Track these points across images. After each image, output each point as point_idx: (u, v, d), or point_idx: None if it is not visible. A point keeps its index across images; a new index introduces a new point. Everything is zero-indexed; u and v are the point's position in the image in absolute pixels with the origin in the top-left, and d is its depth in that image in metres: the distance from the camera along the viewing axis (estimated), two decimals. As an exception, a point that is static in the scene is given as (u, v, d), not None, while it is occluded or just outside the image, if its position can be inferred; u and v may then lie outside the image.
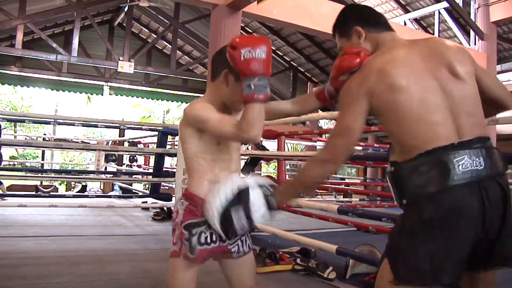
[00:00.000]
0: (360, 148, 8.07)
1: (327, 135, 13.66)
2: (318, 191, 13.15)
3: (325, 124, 18.07)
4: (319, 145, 11.50)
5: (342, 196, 11.87)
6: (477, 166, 1.50)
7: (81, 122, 7.35)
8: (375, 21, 1.83)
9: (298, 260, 4.27)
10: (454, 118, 1.56)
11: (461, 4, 9.47)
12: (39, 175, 10.99)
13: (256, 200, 1.78)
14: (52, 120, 8.36)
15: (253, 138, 1.70)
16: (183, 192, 2.00)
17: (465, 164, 1.49)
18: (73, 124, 7.08)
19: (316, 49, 13.16)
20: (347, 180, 13.64)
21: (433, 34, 10.32)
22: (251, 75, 1.66)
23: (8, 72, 13.08)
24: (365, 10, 1.94)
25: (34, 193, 10.66)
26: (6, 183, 9.98)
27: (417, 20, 11.13)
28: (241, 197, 1.75)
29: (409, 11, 10.81)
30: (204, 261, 1.92)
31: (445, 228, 1.48)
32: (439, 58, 1.65)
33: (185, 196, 1.95)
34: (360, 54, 1.77)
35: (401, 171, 1.59)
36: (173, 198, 6.45)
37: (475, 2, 9.49)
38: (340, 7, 6.90)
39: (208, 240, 1.86)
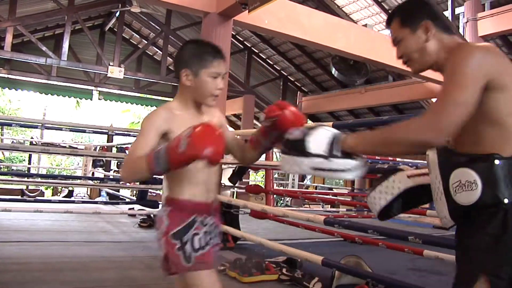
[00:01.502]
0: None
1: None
2: (306, 200, 13.18)
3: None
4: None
5: (329, 206, 11.88)
6: None
7: (69, 127, 7.31)
8: (446, 21, 1.68)
9: (284, 270, 4.26)
10: None
11: (450, 18, 9.56)
12: (25, 179, 10.89)
13: None
14: (40, 124, 8.29)
15: (121, 177, 1.79)
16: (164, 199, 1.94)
17: None
18: (60, 129, 7.03)
19: (307, 59, 13.22)
20: (334, 190, 13.65)
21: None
22: (167, 147, 1.60)
23: (-4, 74, 13.01)
24: (437, 7, 1.73)
25: (19, 197, 10.58)
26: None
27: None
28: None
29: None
30: (210, 265, 1.84)
31: None
32: None
33: (166, 202, 1.89)
34: (283, 110, 1.81)
35: (507, 166, 1.44)
36: (160, 205, 6.42)
37: (463, 17, 9.58)
38: (331, 18, 6.95)
39: (203, 243, 1.82)
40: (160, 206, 6.45)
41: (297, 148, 1.59)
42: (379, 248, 4.20)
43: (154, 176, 1.78)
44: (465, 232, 1.53)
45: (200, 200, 1.89)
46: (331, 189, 14.55)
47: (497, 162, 1.43)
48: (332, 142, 1.57)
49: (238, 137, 2.21)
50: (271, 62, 14.15)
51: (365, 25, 10.37)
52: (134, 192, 12.61)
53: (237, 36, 12.95)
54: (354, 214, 9.72)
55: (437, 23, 1.64)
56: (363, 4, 10.97)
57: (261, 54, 13.90)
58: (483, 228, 1.44)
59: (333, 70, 11.20)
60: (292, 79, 14.78)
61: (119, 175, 11.35)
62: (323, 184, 16.51)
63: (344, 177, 1.62)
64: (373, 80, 12.82)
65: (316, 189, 14.16)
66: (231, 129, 2.26)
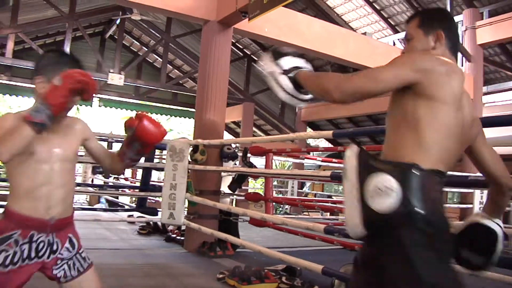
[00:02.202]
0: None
1: (314, 153, 13.71)
2: (305, 208, 13.17)
3: (313, 141, 18.15)
4: (307, 162, 11.53)
5: (328, 213, 11.88)
6: None
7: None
8: (456, 43, 1.82)
9: (283, 279, 4.28)
10: (452, 151, 1.64)
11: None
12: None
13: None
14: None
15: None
16: None
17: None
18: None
19: (306, 66, 13.25)
20: (334, 198, 13.64)
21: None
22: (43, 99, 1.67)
23: (-4, 81, 13.06)
24: (456, 27, 1.86)
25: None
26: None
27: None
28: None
29: (398, 32, 10.95)
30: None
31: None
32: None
33: (4, 208, 1.84)
34: (141, 121, 1.94)
35: (423, 179, 1.52)
36: (159, 213, 6.43)
37: (462, 25, 9.64)
38: (330, 26, 6.97)
39: (15, 259, 1.75)
40: (159, 213, 6.48)
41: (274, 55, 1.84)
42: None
43: (42, 127, 1.67)
44: (378, 248, 1.53)
45: (34, 215, 1.80)
46: (330, 196, 14.54)
47: (416, 172, 1.47)
48: (294, 68, 1.79)
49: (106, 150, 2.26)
50: (270, 70, 14.17)
51: (364, 33, 10.43)
52: (133, 199, 12.61)
53: (236, 43, 12.98)
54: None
55: (448, 39, 1.76)
56: (363, 12, 11.03)
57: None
58: (396, 245, 1.47)
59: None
60: (292, 87, 14.79)
61: (118, 182, 11.37)
62: (322, 191, 16.50)
63: (283, 98, 1.84)
64: (372, 88, 12.85)
65: (315, 196, 14.15)
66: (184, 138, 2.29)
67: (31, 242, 1.79)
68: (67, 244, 1.93)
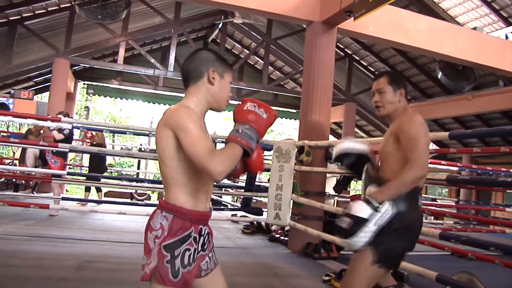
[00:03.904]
0: (456, 168, 7.70)
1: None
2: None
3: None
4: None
5: (432, 217, 11.39)
6: (421, 204, 2.52)
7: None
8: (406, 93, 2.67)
9: (391, 284, 4.14)
10: None
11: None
12: (134, 184, 11.49)
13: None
14: (150, 132, 8.75)
15: (215, 173, 1.68)
16: (160, 202, 1.88)
17: (420, 201, 2.49)
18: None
19: (409, 65, 12.80)
20: (439, 202, 13.07)
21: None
22: (244, 122, 1.79)
23: (109, 85, 13.96)
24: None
25: (130, 200, 11.20)
26: (104, 189, 10.54)
27: (520, 34, 10.53)
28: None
29: (512, 24, 10.25)
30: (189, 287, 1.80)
31: (411, 232, 2.45)
32: None
33: (166, 207, 1.82)
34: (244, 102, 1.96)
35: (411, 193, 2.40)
36: (265, 213, 6.51)
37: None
38: (437, 22, 6.66)
39: (191, 260, 1.78)
40: (264, 213, 6.54)
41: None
42: (492, 266, 3.95)
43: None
44: None
45: (203, 210, 1.87)
46: (434, 200, 13.95)
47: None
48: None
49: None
50: (372, 69, 13.87)
51: (474, 28, 9.87)
52: (235, 198, 12.87)
53: (337, 43, 12.83)
54: (460, 227, 9.26)
55: (406, 93, 2.66)
56: (470, 5, 10.43)
57: (362, 61, 13.67)
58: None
59: (440, 75, 10.70)
60: (394, 86, 14.36)
61: (222, 181, 11.63)
62: (426, 194, 15.89)
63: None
64: (482, 85, 12.11)
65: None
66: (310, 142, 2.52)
67: (200, 236, 1.85)
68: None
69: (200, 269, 1.90)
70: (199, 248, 1.84)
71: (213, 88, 1.93)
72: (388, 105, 2.60)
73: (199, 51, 1.99)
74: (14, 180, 10.21)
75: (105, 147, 9.55)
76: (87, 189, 9.30)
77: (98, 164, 9.15)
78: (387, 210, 2.30)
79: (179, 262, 1.74)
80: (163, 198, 1.87)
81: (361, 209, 2.29)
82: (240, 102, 1.89)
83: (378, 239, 2.31)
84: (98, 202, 8.72)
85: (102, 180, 9.32)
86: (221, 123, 25.16)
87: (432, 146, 15.57)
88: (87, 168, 9.95)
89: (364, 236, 2.26)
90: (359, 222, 2.27)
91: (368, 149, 2.72)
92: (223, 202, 10.78)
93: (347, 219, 2.31)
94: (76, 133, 8.29)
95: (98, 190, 9.32)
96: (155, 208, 1.85)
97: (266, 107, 1.85)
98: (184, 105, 1.88)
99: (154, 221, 1.81)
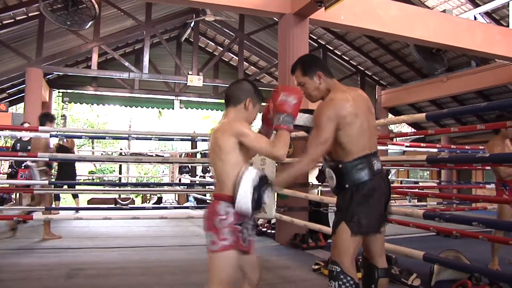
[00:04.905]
0: (435, 150, 7.82)
1: (398, 139, 13.35)
2: (391, 196, 12.84)
3: (395, 127, 17.70)
4: (391, 149, 11.26)
5: (416, 200, 11.55)
6: (379, 166, 2.64)
7: (157, 136, 7.61)
8: (328, 70, 2.75)
9: (380, 267, 4.20)
10: (370, 138, 2.65)
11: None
12: (117, 188, 11.39)
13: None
14: (129, 135, 8.71)
15: (280, 156, 2.31)
16: (220, 195, 2.35)
17: (377, 164, 2.62)
18: (150, 139, 7.33)
19: (383, 51, 12.89)
20: (420, 184, 13.23)
21: (508, 26, 9.87)
22: (282, 112, 2.36)
23: (85, 92, 13.84)
24: (323, 62, 2.92)
25: (113, 206, 11.11)
26: (87, 196, 10.44)
27: (488, 14, 10.68)
28: (265, 181, 2.32)
29: (479, 5, 10.39)
30: (251, 250, 2.41)
31: (373, 198, 2.55)
32: (366, 101, 2.72)
33: (230, 200, 2.30)
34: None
35: (346, 167, 2.58)
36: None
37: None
38: (408, 6, 6.71)
39: (250, 232, 2.39)
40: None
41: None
42: (476, 242, 4.03)
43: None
44: (337, 200, 2.70)
45: None
46: (417, 182, 14.12)
47: (340, 165, 2.60)
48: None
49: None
50: (347, 58, 13.95)
51: (444, 11, 9.99)
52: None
53: (310, 34, 12.87)
54: (443, 207, 9.40)
55: (325, 72, 2.73)
56: (438, -12, 10.55)
57: (336, 51, 13.74)
58: (342, 198, 2.62)
59: (415, 55, 10.75)
60: (370, 73, 14.47)
61: (205, 180, 11.64)
62: (408, 178, 16.08)
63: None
64: (455, 67, 12.28)
65: (401, 183, 13.77)
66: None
67: (247, 223, 2.38)
68: None
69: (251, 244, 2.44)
70: (250, 232, 2.42)
71: (247, 112, 2.45)
72: (313, 93, 2.73)
73: (243, 82, 2.54)
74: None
75: (73, 153, 9.35)
76: (57, 198, 9.02)
77: (67, 171, 8.96)
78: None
79: (246, 233, 2.35)
80: (221, 192, 2.36)
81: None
82: (274, 91, 2.46)
83: (349, 213, 2.54)
84: (77, 209, 8.56)
85: (84, 187, 9.21)
86: (200, 122, 25.18)
87: (410, 129, 15.76)
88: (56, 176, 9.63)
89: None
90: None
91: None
92: (207, 201, 10.75)
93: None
94: (54, 141, 8.14)
95: (75, 196, 9.20)
96: (215, 199, 2.39)
97: (294, 92, 2.42)
98: (233, 119, 2.42)
99: (219, 209, 2.31)
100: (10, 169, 8.88)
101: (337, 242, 2.57)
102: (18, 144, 7.37)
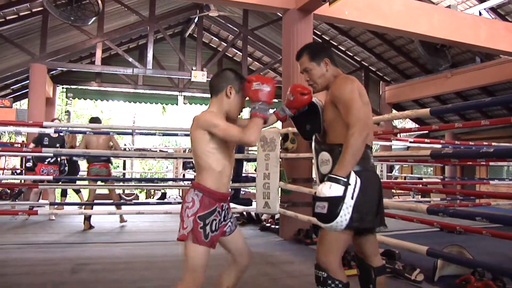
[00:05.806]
0: (439, 146, 7.80)
1: (403, 134, 13.36)
2: (395, 191, 12.84)
3: (399, 123, 17.67)
4: (396, 144, 11.24)
5: (420, 196, 11.53)
6: (373, 163, 2.60)
7: (162, 131, 7.62)
8: (334, 59, 2.68)
9: (383, 263, 4.20)
10: (371, 131, 2.58)
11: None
12: (121, 184, 11.40)
13: None
14: (133, 130, 8.71)
15: (251, 142, 2.34)
16: (193, 183, 2.47)
17: (372, 160, 2.57)
18: (154, 134, 7.34)
19: (387, 47, 12.86)
20: (424, 180, 13.22)
21: (513, 22, 9.84)
22: (256, 100, 2.39)
23: (89, 87, 13.86)
24: (331, 49, 2.84)
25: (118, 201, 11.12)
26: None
27: (493, 9, 10.63)
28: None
29: (484, 0, 10.34)
30: (215, 246, 2.43)
31: (365, 191, 2.37)
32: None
33: (198, 187, 2.41)
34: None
35: None
36: (254, 203, 6.52)
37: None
38: (412, 2, 6.67)
39: (216, 227, 2.40)
40: (254, 204, 6.57)
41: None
42: (480, 238, 4.03)
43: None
44: None
45: (225, 191, 2.49)
46: (420, 178, 14.12)
47: (341, 149, 2.37)
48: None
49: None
50: (351, 54, 13.91)
51: (448, 6, 9.96)
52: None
53: (314, 30, 12.84)
54: (446, 203, 9.38)
55: (332, 60, 2.65)
56: (444, -16, 10.51)
57: (340, 47, 13.69)
58: None
59: (420, 50, 10.70)
60: (374, 69, 14.44)
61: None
62: (412, 174, 16.07)
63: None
64: (459, 63, 12.25)
65: (405, 179, 13.77)
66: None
67: (222, 210, 2.48)
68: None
69: (225, 232, 2.51)
70: (222, 219, 2.48)
71: (229, 100, 2.48)
72: (319, 80, 2.66)
73: (224, 70, 2.55)
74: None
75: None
76: (63, 194, 9.03)
77: (71, 167, 8.96)
78: (355, 179, 2.33)
79: (208, 228, 2.36)
80: (195, 180, 2.47)
81: (332, 189, 2.28)
82: (246, 81, 2.44)
83: None
84: (81, 204, 8.56)
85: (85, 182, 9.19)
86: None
87: (414, 125, 15.74)
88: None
89: (346, 213, 2.28)
90: (336, 202, 2.28)
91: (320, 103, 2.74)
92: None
93: (321, 203, 2.32)
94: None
95: (78, 191, 9.21)
96: (189, 187, 2.49)
97: (266, 80, 2.43)
98: (208, 110, 2.49)
99: (188, 196, 2.42)
100: (27, 163, 8.94)
101: (325, 238, 2.43)
102: (46, 139, 7.41)
